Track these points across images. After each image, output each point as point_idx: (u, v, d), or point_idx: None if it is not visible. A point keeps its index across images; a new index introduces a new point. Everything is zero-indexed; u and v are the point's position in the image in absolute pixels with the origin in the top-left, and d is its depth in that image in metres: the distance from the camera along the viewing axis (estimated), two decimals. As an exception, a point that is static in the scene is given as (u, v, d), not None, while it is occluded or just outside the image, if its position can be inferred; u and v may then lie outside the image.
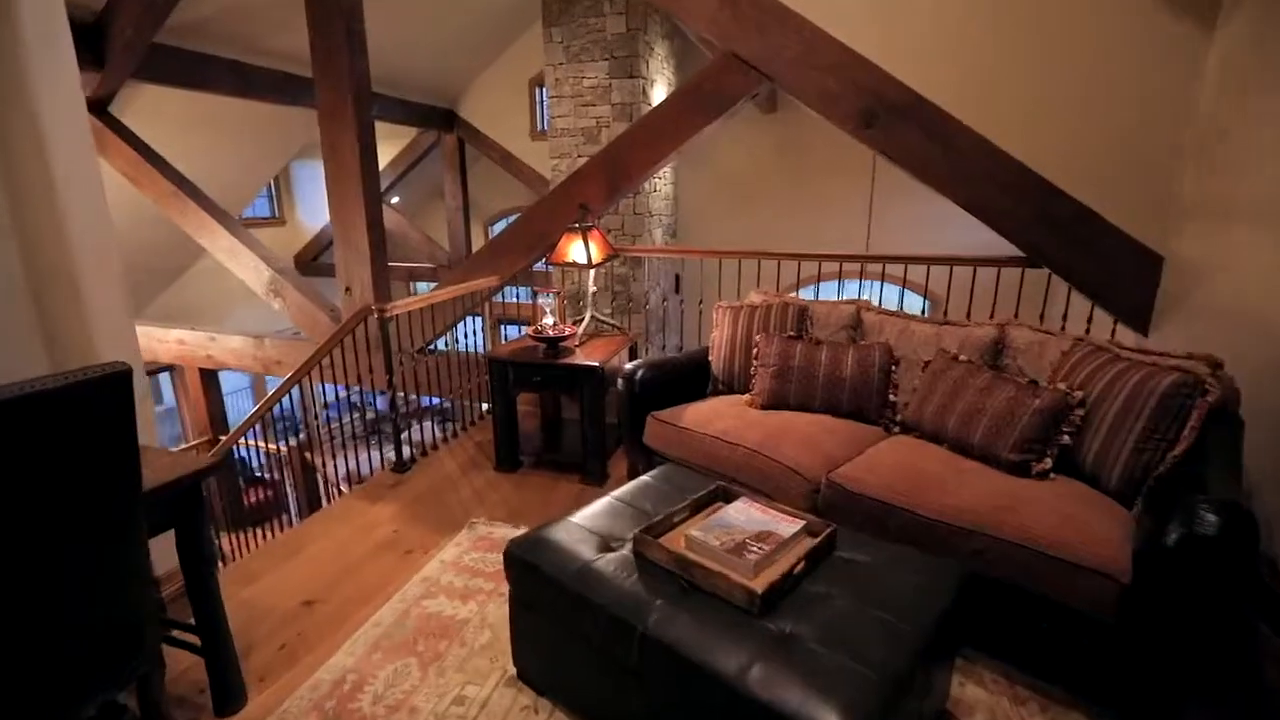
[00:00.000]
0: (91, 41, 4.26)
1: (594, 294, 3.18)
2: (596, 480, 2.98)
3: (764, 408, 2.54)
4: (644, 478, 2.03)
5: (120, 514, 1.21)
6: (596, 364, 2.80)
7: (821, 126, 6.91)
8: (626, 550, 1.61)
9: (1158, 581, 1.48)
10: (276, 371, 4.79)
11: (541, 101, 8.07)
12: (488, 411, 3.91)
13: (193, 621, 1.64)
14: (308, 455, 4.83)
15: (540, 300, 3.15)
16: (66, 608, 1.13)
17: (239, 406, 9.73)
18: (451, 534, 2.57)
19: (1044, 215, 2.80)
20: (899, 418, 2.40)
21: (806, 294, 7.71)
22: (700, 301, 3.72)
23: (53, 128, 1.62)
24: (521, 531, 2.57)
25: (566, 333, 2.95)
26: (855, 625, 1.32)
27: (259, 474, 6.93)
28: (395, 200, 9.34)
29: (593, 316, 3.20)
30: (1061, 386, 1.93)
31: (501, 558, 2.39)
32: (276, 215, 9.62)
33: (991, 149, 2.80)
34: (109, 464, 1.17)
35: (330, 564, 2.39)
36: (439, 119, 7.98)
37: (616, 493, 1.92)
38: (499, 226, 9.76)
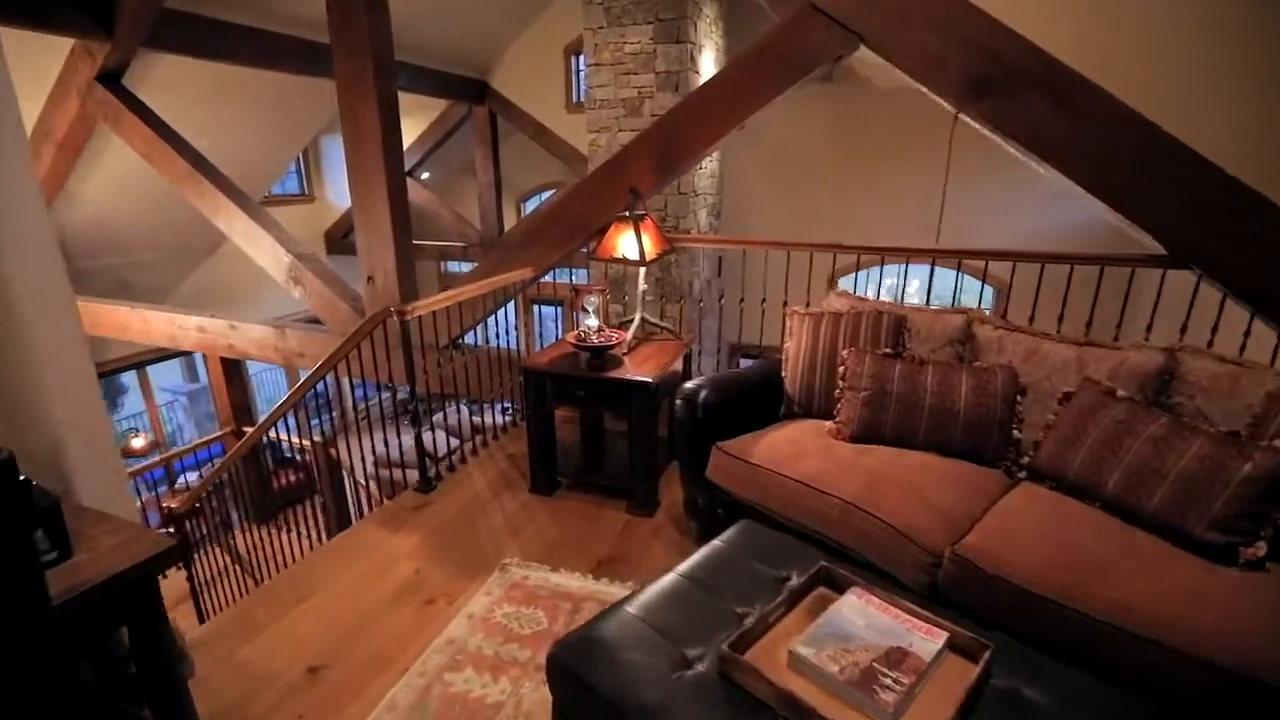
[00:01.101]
0: (98, 7, 3.93)
1: (644, 292, 2.76)
2: (645, 509, 2.60)
3: (853, 440, 2.11)
4: (717, 543, 1.63)
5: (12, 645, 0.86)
6: (649, 379, 2.39)
7: (884, 99, 6.31)
8: (708, 666, 1.22)
9: None
10: (299, 364, 4.50)
11: (578, 71, 7.57)
12: (521, 418, 3.55)
13: (161, 727, 1.31)
14: (333, 451, 4.59)
15: (582, 301, 2.74)
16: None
17: (274, 382, 9.63)
18: (481, 577, 2.22)
19: (1199, 203, 2.28)
20: (1024, 460, 1.95)
21: (854, 281, 7.17)
22: (763, 301, 3.26)
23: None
24: (561, 576, 2.22)
25: (613, 340, 2.54)
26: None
27: (289, 455, 6.76)
28: (425, 176, 8.99)
29: (642, 319, 2.78)
30: None
31: (538, 613, 2.07)
32: (305, 192, 9.36)
33: (1137, 121, 2.27)
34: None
35: (341, 615, 2.06)
36: (469, 90, 7.55)
37: (684, 568, 1.52)
38: (532, 204, 9.35)
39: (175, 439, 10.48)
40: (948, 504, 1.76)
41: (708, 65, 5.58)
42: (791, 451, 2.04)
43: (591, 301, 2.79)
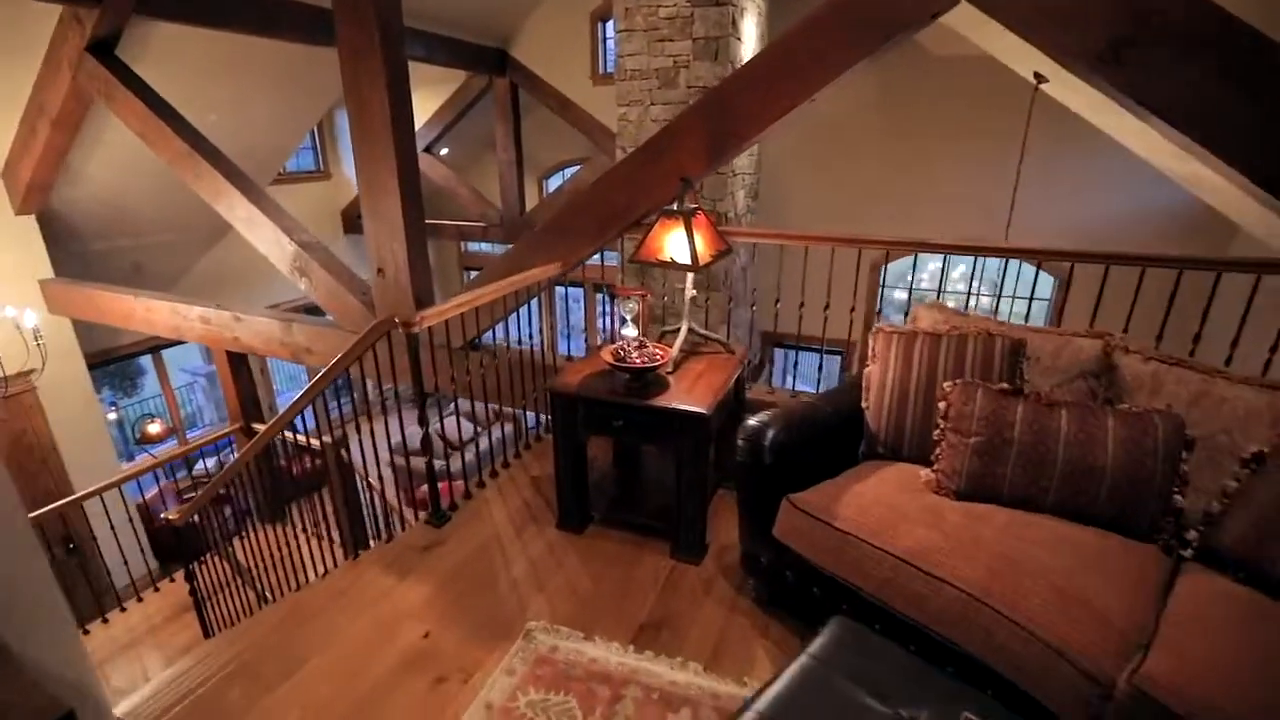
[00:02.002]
0: (83, -33, 3.56)
1: (692, 299, 2.35)
2: (691, 554, 2.22)
3: (958, 496, 1.70)
4: (806, 659, 1.24)
5: None
6: (703, 410, 1.99)
7: (941, 68, 5.72)
8: None
9: None
10: (307, 360, 4.18)
11: (605, 39, 7.06)
12: (545, 431, 3.19)
13: None
14: (344, 454, 4.30)
15: (618, 307, 2.34)
16: None
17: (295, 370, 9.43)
18: (501, 645, 1.87)
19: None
20: (1190, 535, 1.53)
21: (895, 269, 6.57)
22: (827, 307, 2.83)
23: None
24: (596, 647, 1.86)
25: (658, 358, 2.14)
26: None
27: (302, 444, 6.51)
28: (444, 152, 8.57)
29: (690, 329, 2.37)
30: None
31: (570, 700, 1.69)
32: (321, 168, 9.02)
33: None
34: None
35: (334, 700, 1.72)
36: (489, 61, 7.08)
37: (766, 704, 1.14)
38: (555, 181, 8.90)
39: (196, 420, 10.40)
40: (1105, 600, 1.35)
41: (749, 31, 5.06)
42: (885, 512, 1.64)
43: (630, 307, 2.40)
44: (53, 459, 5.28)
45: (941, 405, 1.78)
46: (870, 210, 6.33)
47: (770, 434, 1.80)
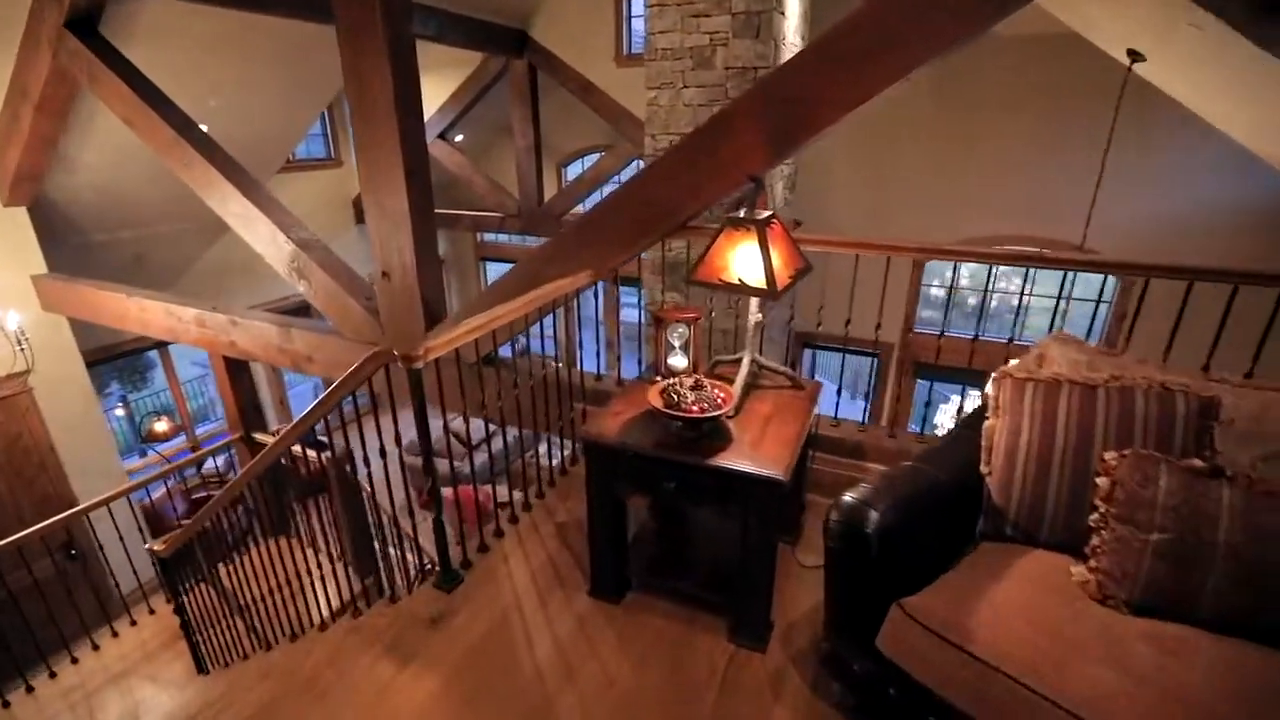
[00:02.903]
0: (54, -68, 3.18)
1: (758, 324, 1.93)
2: (755, 640, 1.82)
3: (1130, 608, 1.28)
4: None
5: None
6: (779, 475, 1.57)
7: (1004, 50, 5.17)
8: None
9: None
10: (308, 370, 3.82)
11: (630, 17, 6.58)
12: (571, 463, 2.79)
13: None
14: (348, 468, 3.97)
15: (668, 333, 1.93)
16: None
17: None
18: (524, 770, 1.49)
19: None
20: None
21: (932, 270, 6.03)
22: (887, 321, 2.38)
23: None
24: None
25: (719, 402, 1.72)
26: None
27: (319, 438, 6.20)
28: (459, 139, 8.16)
29: (753, 362, 1.95)
30: None
31: None
32: (333, 155, 8.63)
33: None
34: None
35: None
36: (506, 41, 6.63)
37: None
38: (575, 169, 8.46)
39: (208, 413, 10.15)
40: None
41: (793, 6, 4.58)
42: (1038, 635, 1.22)
43: (679, 333, 1.98)
44: (51, 462, 5.01)
45: (1102, 482, 1.36)
46: (913, 207, 5.81)
47: (874, 516, 1.38)
